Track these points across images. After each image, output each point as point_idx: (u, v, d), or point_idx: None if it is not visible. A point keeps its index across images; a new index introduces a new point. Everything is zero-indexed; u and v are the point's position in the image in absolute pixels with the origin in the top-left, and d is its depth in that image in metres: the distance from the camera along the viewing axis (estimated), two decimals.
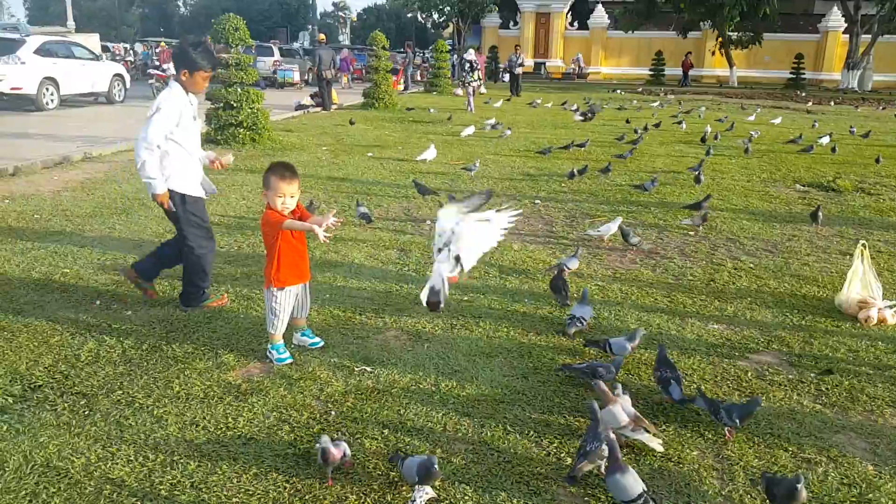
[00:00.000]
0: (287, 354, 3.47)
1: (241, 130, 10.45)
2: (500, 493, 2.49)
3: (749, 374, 3.50)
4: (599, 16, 40.26)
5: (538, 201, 7.37)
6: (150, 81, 20.10)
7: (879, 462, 2.77)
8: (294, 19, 71.78)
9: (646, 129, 13.47)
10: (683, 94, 28.76)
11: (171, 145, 3.85)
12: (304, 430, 2.84)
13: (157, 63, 23.65)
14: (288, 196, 3.30)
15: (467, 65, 18.57)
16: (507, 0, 44.42)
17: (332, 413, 2.99)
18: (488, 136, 12.83)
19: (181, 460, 2.59)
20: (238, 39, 10.33)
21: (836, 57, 36.79)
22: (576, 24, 42.08)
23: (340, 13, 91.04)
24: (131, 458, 2.60)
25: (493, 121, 14.12)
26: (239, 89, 10.46)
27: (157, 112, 3.77)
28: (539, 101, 20.25)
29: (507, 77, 26.30)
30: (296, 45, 34.73)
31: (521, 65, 24.56)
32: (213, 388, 3.15)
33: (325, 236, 3.18)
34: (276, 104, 16.77)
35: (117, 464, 2.57)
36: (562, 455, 2.74)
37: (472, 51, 20.61)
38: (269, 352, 3.47)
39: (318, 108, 17.77)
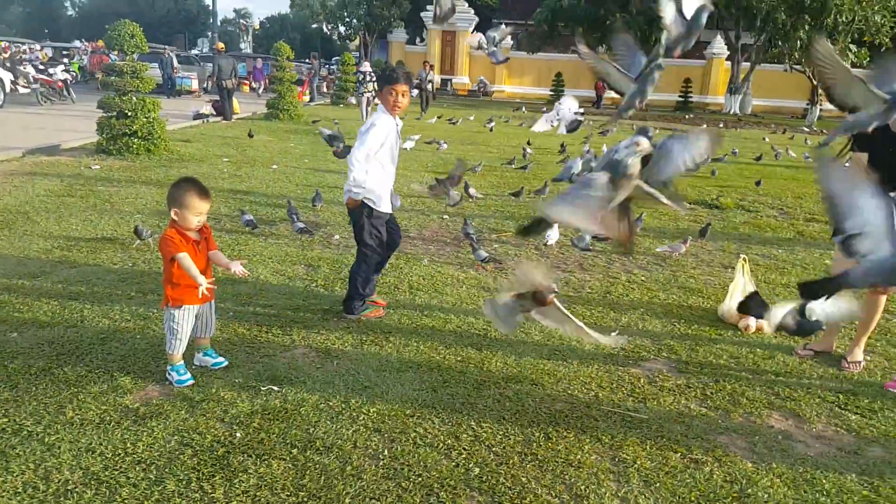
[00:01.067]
0: (188, 375, 3.37)
1: (136, 140, 10.05)
2: None
3: (641, 380, 3.71)
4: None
5: (446, 216, 7.48)
6: (34, 86, 18.96)
7: (757, 459, 3.00)
8: (193, 25, 69.52)
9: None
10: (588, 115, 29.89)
11: (372, 163, 4.10)
12: (208, 454, 2.78)
13: (42, 67, 22.32)
14: (203, 214, 3.25)
15: (361, 76, 19.71)
16: (414, 16, 44.91)
17: (238, 435, 2.94)
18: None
19: (77, 489, 2.48)
20: (134, 46, 9.94)
21: (720, 82, 39.28)
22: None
23: (242, 21, 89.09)
24: (19, 490, 2.46)
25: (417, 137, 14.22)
26: (134, 98, 10.05)
27: (371, 129, 4.05)
28: (459, 120, 20.21)
29: (415, 93, 26.31)
30: (194, 51, 33.73)
31: (431, 81, 24.17)
32: (110, 413, 3.02)
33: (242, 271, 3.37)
34: (172, 113, 16.21)
35: (2, 497, 2.42)
36: (470, 465, 2.81)
37: (367, 63, 22.12)
38: (169, 373, 3.36)
39: (218, 118, 17.32)
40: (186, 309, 3.30)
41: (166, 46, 31.78)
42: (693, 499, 2.70)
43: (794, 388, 3.72)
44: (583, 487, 2.72)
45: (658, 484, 2.77)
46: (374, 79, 20.27)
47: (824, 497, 2.77)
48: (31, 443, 2.76)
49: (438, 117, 20.36)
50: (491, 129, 17.75)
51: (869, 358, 4.16)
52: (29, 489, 2.47)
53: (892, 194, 3.52)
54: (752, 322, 4.51)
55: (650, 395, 3.54)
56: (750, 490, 2.77)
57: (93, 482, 2.53)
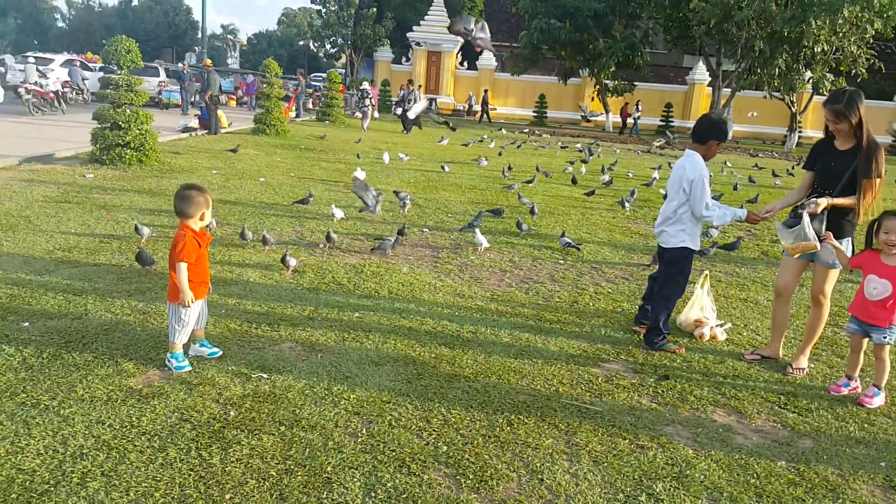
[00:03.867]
0: (186, 363, 3.70)
1: (128, 151, 10.38)
2: (385, 475, 2.87)
3: (600, 378, 4.08)
4: (487, 58, 42.06)
5: (426, 230, 7.86)
6: (27, 98, 19.17)
7: (698, 447, 3.37)
8: (181, 40, 69.82)
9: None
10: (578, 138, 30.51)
11: (685, 208, 4.52)
12: (205, 428, 3.10)
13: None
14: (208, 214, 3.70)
15: (362, 94, 24.51)
16: (400, 36, 45.59)
17: (231, 413, 3.27)
18: (389, 167, 13.29)
19: (90, 453, 2.80)
20: (129, 62, 10.30)
21: (701, 107, 40.20)
22: (465, 63, 43.76)
23: (229, 36, 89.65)
24: (41, 452, 2.78)
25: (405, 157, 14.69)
26: (128, 110, 10.38)
27: (703, 179, 4.43)
28: (446, 141, 20.41)
29: (399, 111, 26.31)
30: (181, 65, 34.12)
31: (412, 101, 23.22)
32: (116, 392, 3.35)
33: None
34: (160, 126, 16.48)
35: (27, 457, 2.75)
36: (439, 444, 3.15)
37: (366, 83, 26.37)
38: (169, 360, 3.69)
39: (205, 132, 17.62)
40: (195, 303, 3.66)
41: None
42: (636, 477, 3.05)
43: (740, 389, 4.10)
44: (538, 465, 3.07)
45: (606, 464, 3.13)
46: (371, 96, 24.70)
47: (754, 479, 3.13)
48: (49, 414, 3.08)
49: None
50: (481, 156, 18.15)
51: (813, 365, 4.55)
52: (50, 451, 2.80)
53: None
54: (706, 331, 4.90)
55: (606, 391, 3.91)
56: (688, 472, 3.13)
57: (104, 447, 2.85)
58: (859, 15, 25.96)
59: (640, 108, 35.62)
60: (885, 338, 3.91)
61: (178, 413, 3.22)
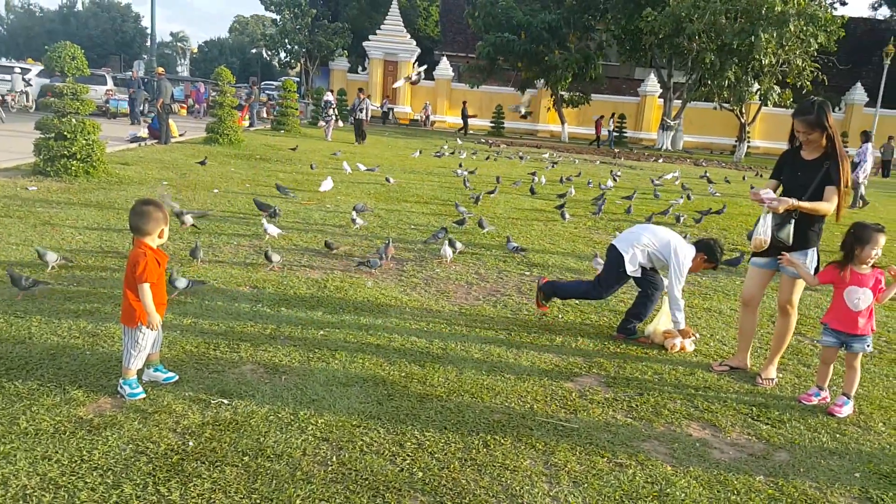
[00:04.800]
0: (140, 389, 3.47)
1: (74, 162, 9.94)
2: None
3: (573, 394, 3.98)
4: (444, 68, 42.15)
5: (389, 240, 7.68)
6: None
7: (676, 463, 3.30)
8: (129, 48, 68.17)
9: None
10: (531, 148, 30.67)
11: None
12: (163, 461, 2.89)
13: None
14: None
15: (325, 104, 25.27)
16: (356, 45, 45.33)
17: (191, 444, 3.06)
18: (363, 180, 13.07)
19: (35, 493, 2.56)
20: (74, 69, 9.88)
21: (653, 119, 40.99)
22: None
23: (179, 44, 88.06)
24: None
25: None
26: (73, 120, 9.96)
27: (684, 269, 4.88)
28: (418, 153, 20.29)
29: (351, 119, 25.86)
30: (129, 73, 33.25)
31: (363, 109, 23.10)
32: (64, 423, 3.10)
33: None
34: (108, 136, 15.96)
35: None
36: (414, 470, 3.00)
37: (329, 93, 27.42)
38: (122, 387, 3.45)
39: (154, 141, 17.13)
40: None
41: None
42: (617, 497, 2.96)
43: (712, 401, 4.06)
44: (518, 488, 2.94)
45: (586, 485, 3.03)
46: (333, 105, 25.10)
47: (735, 495, 3.07)
48: None
49: (420, 151, 20.18)
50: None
51: (781, 375, 4.56)
52: None
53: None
54: (676, 342, 4.86)
55: (581, 407, 3.81)
56: (669, 490, 3.05)
57: (51, 486, 2.62)
58: (804, 28, 26.80)
59: (613, 122, 35.92)
60: (867, 347, 3.96)
61: (132, 445, 2.99)
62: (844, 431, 3.80)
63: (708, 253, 5.01)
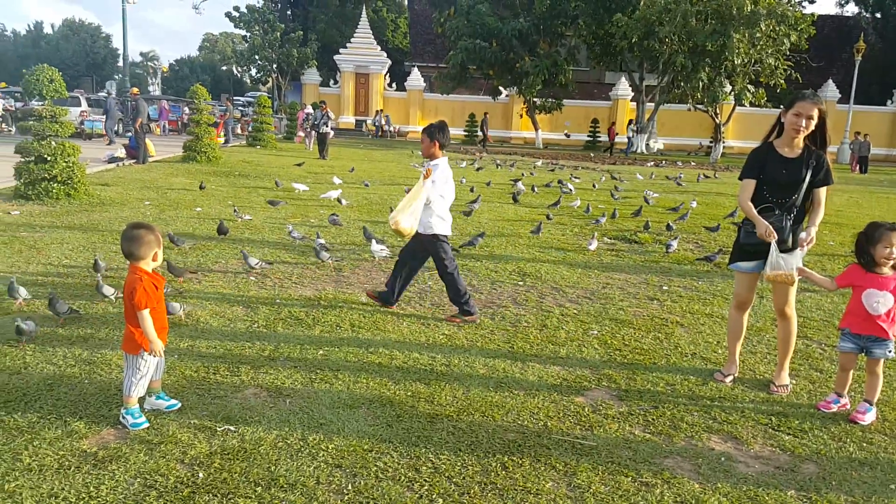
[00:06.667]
0: (143, 419, 3.35)
1: (56, 185, 9.75)
2: None
3: (586, 409, 3.91)
4: (416, 79, 42.16)
5: (385, 253, 7.58)
6: None
7: (703, 480, 3.20)
8: (100, 69, 67.30)
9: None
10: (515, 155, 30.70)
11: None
12: (173, 495, 2.77)
13: None
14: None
15: (306, 116, 27.69)
16: (326, 59, 45.20)
17: (200, 475, 2.94)
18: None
19: None
20: (53, 91, 9.69)
21: (626, 122, 41.33)
22: (394, 85, 43.75)
23: (150, 63, 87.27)
24: None
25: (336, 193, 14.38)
26: (53, 142, 9.75)
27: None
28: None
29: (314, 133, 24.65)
30: (102, 94, 32.79)
31: (326, 124, 22.34)
32: (68, 458, 2.97)
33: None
34: (86, 157, 15.67)
35: None
36: (433, 497, 2.91)
37: (309, 106, 30.14)
38: (124, 417, 3.33)
39: (132, 161, 16.87)
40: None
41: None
42: None
43: (730, 412, 3.97)
44: None
45: None
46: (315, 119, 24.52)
47: None
48: None
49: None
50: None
51: (794, 381, 4.47)
52: None
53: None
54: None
55: (596, 423, 3.73)
56: None
57: None
58: (776, 28, 27.19)
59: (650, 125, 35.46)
60: (889, 352, 3.83)
61: (140, 478, 2.87)
62: (871, 440, 3.70)
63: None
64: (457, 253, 7.50)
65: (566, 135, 36.56)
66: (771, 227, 4.04)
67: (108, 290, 5.16)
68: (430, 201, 5.32)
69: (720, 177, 22.05)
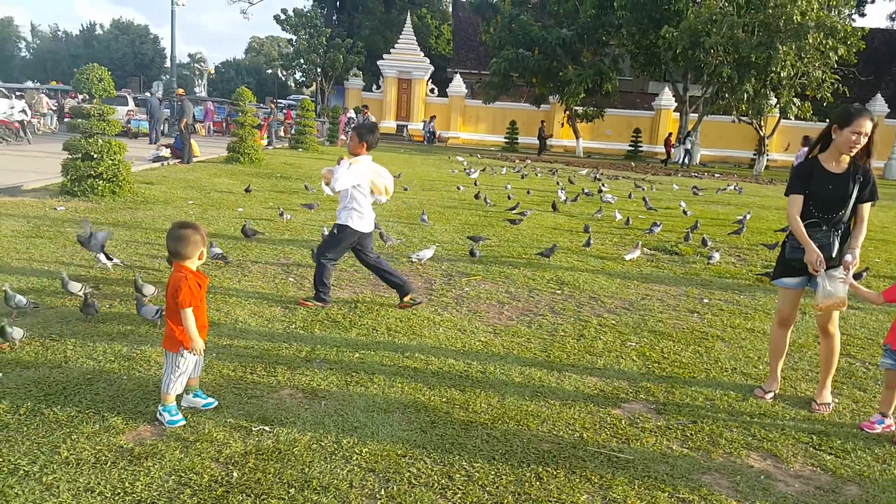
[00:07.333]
0: (180, 416, 3.38)
1: (101, 182, 9.98)
2: None
3: (623, 421, 3.83)
4: (458, 85, 42.23)
5: (414, 258, 7.58)
6: None
7: (742, 499, 3.12)
8: (148, 69, 69.04)
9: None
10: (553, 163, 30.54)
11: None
12: (207, 493, 2.78)
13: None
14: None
15: (348, 119, 29.53)
16: (370, 64, 45.59)
17: (234, 474, 2.95)
18: None
19: None
20: (102, 90, 9.94)
21: (668, 132, 40.78)
22: (436, 91, 43.90)
23: (197, 65, 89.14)
24: None
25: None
26: (100, 140, 10.00)
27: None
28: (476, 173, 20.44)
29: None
30: (148, 94, 33.59)
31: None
32: (105, 453, 3.01)
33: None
34: (132, 155, 16.04)
35: None
36: None
37: (351, 110, 31.38)
38: (161, 413, 3.36)
39: (177, 161, 17.20)
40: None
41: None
42: None
43: (770, 430, 3.86)
44: None
45: None
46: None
47: None
48: (29, 482, 2.74)
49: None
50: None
51: (837, 400, 4.34)
52: None
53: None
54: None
55: (633, 436, 3.66)
56: None
57: None
58: (823, 42, 26.55)
59: (693, 135, 34.37)
60: None
61: (174, 476, 2.89)
62: None
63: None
64: (541, 257, 7.91)
65: (607, 132, 36.23)
66: (821, 255, 3.93)
67: (75, 287, 5.11)
68: (352, 197, 5.49)
69: (762, 190, 21.54)
